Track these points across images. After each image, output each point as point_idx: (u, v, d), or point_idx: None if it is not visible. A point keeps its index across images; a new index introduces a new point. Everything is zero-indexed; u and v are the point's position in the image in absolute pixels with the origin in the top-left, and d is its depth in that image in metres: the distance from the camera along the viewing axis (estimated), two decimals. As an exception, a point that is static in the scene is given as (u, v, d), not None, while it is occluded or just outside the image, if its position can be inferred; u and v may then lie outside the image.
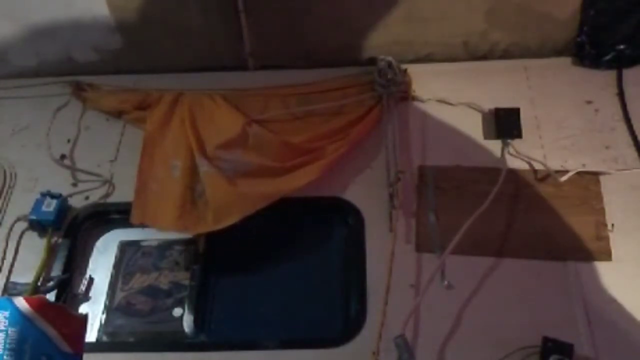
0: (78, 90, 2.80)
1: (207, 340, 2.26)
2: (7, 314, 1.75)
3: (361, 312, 2.17)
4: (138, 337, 2.27)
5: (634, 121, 2.54)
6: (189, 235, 2.41)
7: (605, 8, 2.61)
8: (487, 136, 2.56)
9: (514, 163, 2.47)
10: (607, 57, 2.68)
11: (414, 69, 2.71)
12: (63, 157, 2.63)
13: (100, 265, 2.43)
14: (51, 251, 2.35)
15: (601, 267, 2.21)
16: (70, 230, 2.42)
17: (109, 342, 2.27)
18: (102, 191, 2.52)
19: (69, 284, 2.33)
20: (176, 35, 2.72)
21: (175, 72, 2.84)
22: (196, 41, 2.75)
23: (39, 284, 2.27)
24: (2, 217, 2.45)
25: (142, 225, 2.40)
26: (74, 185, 2.54)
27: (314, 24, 2.70)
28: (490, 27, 2.69)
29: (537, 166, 2.45)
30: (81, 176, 2.57)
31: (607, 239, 2.26)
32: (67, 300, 2.31)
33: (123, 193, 2.48)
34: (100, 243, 2.49)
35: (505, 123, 2.54)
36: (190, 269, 2.37)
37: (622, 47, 2.65)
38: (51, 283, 2.28)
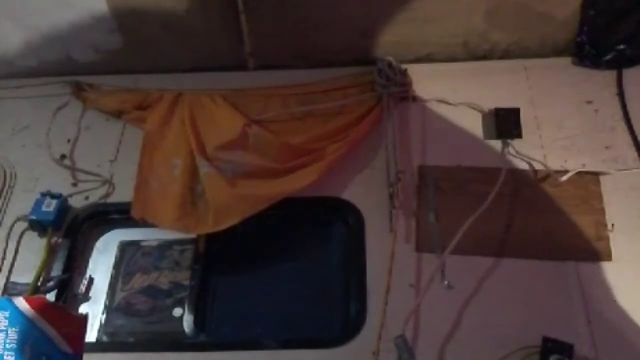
0: (78, 90, 2.80)
1: (207, 340, 2.26)
2: (7, 314, 1.75)
3: (361, 312, 2.17)
4: (138, 337, 2.28)
5: (634, 121, 2.54)
6: (189, 235, 2.41)
7: (605, 8, 2.61)
8: (487, 136, 2.56)
9: (514, 163, 2.47)
10: (607, 57, 2.67)
11: (414, 69, 2.71)
12: (63, 157, 2.63)
13: (100, 265, 2.43)
14: (51, 251, 2.35)
15: (601, 267, 2.21)
16: (70, 230, 2.42)
17: (109, 342, 2.28)
18: (102, 191, 2.52)
19: (69, 284, 2.33)
20: (176, 35, 2.72)
21: (175, 72, 2.84)
22: (196, 41, 2.75)
23: (39, 284, 2.27)
24: (2, 217, 2.45)
25: (143, 222, 2.40)
26: (74, 185, 2.54)
27: (314, 24, 2.69)
28: (490, 27, 2.69)
29: (537, 166, 2.45)
30: (81, 176, 2.57)
31: (607, 239, 2.27)
32: (67, 300, 2.31)
33: (123, 193, 2.48)
34: (100, 243, 2.49)
35: (505, 123, 2.54)
36: (190, 269, 2.37)
37: (622, 47, 2.65)
38: (51, 283, 2.28)
